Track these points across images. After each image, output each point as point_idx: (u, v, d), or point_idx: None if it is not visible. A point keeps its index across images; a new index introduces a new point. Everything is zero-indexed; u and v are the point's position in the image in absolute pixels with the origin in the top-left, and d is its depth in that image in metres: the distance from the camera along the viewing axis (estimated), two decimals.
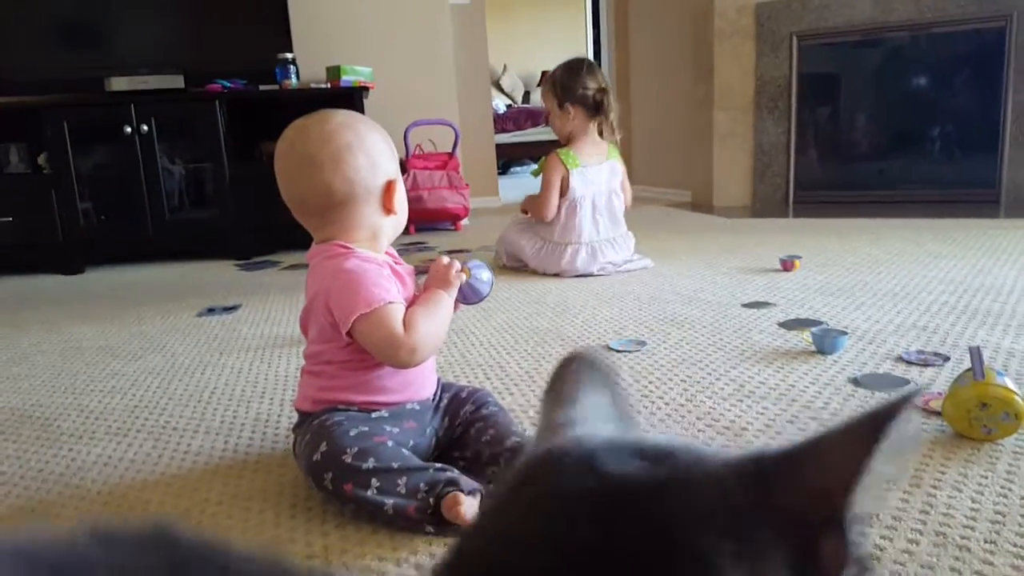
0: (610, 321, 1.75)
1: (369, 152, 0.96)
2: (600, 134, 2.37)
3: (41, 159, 3.00)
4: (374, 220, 0.98)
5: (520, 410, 1.22)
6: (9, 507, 0.99)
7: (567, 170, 2.30)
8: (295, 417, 1.14)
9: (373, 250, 0.99)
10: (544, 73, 7.87)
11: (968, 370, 1.05)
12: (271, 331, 1.86)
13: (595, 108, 2.32)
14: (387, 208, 0.99)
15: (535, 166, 2.46)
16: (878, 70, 3.69)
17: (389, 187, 0.98)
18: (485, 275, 1.05)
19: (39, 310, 2.31)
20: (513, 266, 2.47)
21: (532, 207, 2.41)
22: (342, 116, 0.97)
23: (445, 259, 1.02)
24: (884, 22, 3.49)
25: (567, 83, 2.30)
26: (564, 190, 2.31)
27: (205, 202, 3.21)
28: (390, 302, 0.92)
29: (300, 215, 1.00)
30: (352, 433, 0.90)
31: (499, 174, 5.14)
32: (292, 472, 1.03)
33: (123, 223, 3.07)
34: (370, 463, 0.86)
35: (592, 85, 2.31)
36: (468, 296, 1.04)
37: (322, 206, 0.96)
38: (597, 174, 2.34)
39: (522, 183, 6.19)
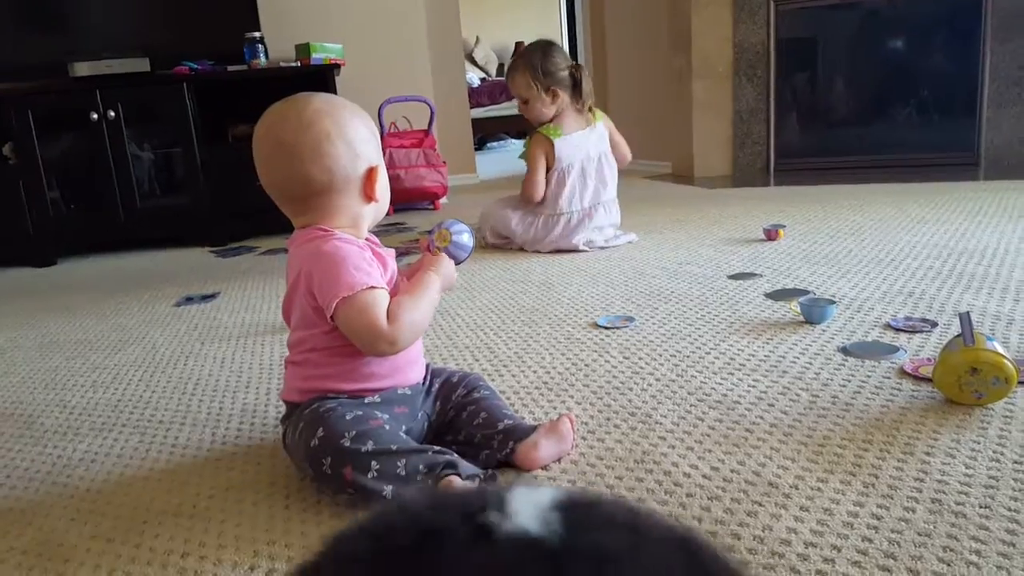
0: (597, 298, 1.74)
1: (349, 140, 0.93)
2: (584, 108, 2.34)
3: (7, 149, 2.91)
4: (355, 208, 0.96)
5: (511, 392, 1.21)
6: None
7: (551, 141, 2.28)
8: (282, 407, 1.12)
9: (353, 236, 0.97)
10: (519, 44, 7.80)
11: (958, 336, 1.05)
12: (252, 318, 1.83)
13: (573, 86, 2.30)
14: (368, 195, 0.96)
15: (513, 141, 2.44)
16: (856, 34, 3.68)
17: (370, 174, 0.96)
18: (466, 237, 1.04)
19: (13, 304, 2.26)
20: (497, 243, 2.44)
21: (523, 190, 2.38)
22: (321, 102, 0.94)
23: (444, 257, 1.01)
24: None
25: (548, 67, 2.27)
26: (551, 162, 2.29)
27: (177, 188, 3.15)
28: (371, 287, 0.90)
29: (279, 202, 0.97)
30: (348, 417, 0.88)
31: (475, 150, 5.09)
32: (283, 463, 1.01)
33: (93, 212, 3.00)
34: (369, 446, 0.84)
35: (565, 64, 2.30)
36: (451, 258, 1.03)
37: (301, 195, 0.94)
38: (583, 139, 2.32)
39: (500, 158, 6.14)
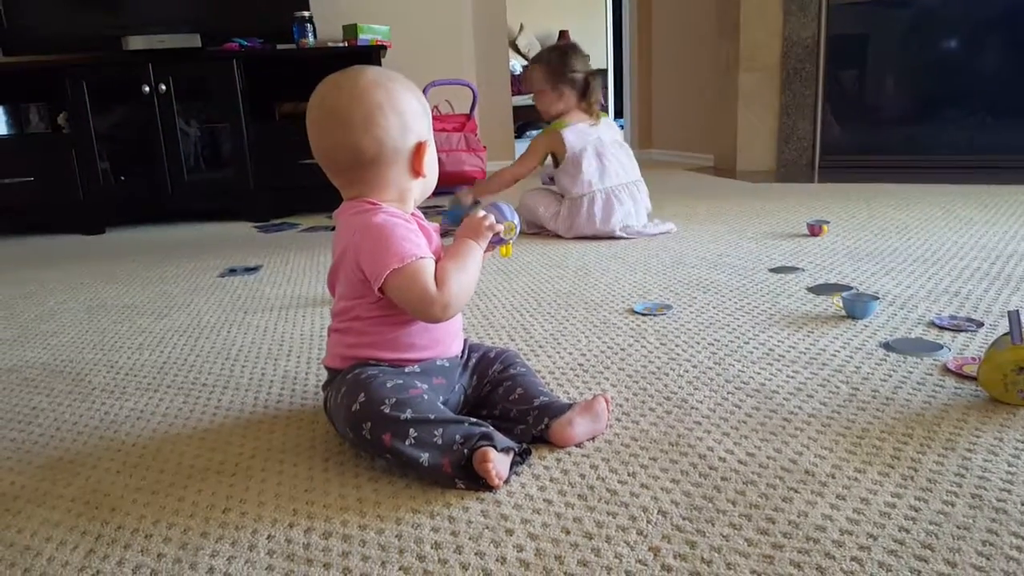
0: (633, 284, 1.74)
1: (400, 113, 0.94)
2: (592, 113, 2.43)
3: (61, 119, 3.00)
4: (402, 181, 0.97)
5: (547, 372, 1.21)
6: (47, 458, 1.01)
7: (558, 133, 2.35)
8: (323, 375, 1.14)
9: (400, 210, 0.98)
10: (563, 33, 7.76)
11: (1005, 334, 1.03)
12: (293, 291, 1.86)
13: (583, 90, 2.39)
14: (416, 170, 0.98)
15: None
16: (909, 32, 3.59)
17: (419, 149, 0.97)
18: (516, 221, 1.04)
19: (63, 269, 2.33)
20: (532, 231, 2.45)
21: (499, 184, 2.44)
22: (375, 74, 0.95)
23: (481, 212, 1.01)
24: None
25: (558, 65, 2.37)
26: (561, 152, 2.36)
27: (223, 163, 3.21)
28: (421, 257, 0.91)
29: (329, 172, 0.99)
30: (389, 385, 0.90)
31: (515, 137, 5.08)
32: (323, 427, 1.03)
33: (142, 183, 3.07)
34: (408, 413, 0.86)
35: (581, 68, 2.39)
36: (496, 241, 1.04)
37: (351, 165, 0.95)
38: (591, 128, 2.38)
39: None
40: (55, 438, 1.07)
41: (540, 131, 2.45)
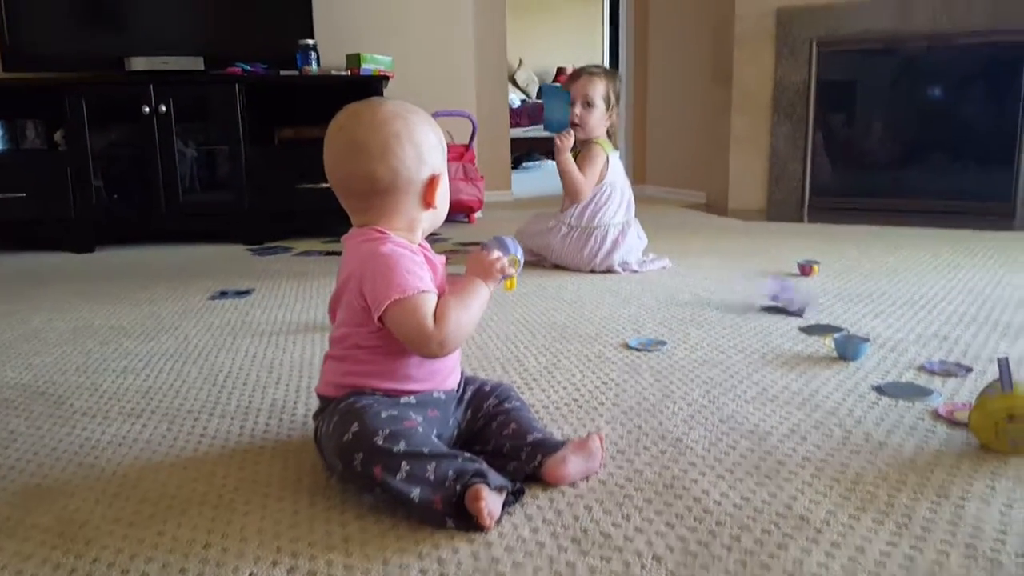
0: (628, 319, 1.74)
1: (417, 144, 0.95)
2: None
3: (57, 136, 2.99)
4: (413, 212, 0.98)
5: (540, 407, 1.20)
6: (22, 485, 0.98)
7: (607, 154, 2.35)
8: (311, 404, 1.13)
9: (408, 240, 0.98)
10: (561, 69, 7.85)
11: (996, 381, 1.03)
12: (284, 317, 1.84)
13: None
14: (427, 202, 0.98)
15: (549, 162, 2.45)
16: (896, 79, 3.66)
17: (432, 181, 0.97)
18: (520, 255, 1.04)
19: (50, 287, 2.30)
20: (529, 260, 2.45)
21: (571, 181, 2.34)
22: (395, 105, 0.97)
23: (495, 253, 1.01)
24: (904, 31, 3.46)
25: (618, 90, 2.38)
26: (602, 176, 2.35)
27: (219, 185, 3.20)
28: (423, 291, 0.91)
29: (342, 198, 0.99)
30: (383, 415, 0.88)
31: (511, 168, 5.11)
32: (310, 460, 1.01)
33: (136, 203, 3.05)
34: (401, 446, 0.84)
35: None
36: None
37: (364, 192, 0.95)
38: (619, 160, 2.43)
39: (534, 177, 6.17)
40: (32, 463, 1.04)
41: (591, 145, 2.35)
